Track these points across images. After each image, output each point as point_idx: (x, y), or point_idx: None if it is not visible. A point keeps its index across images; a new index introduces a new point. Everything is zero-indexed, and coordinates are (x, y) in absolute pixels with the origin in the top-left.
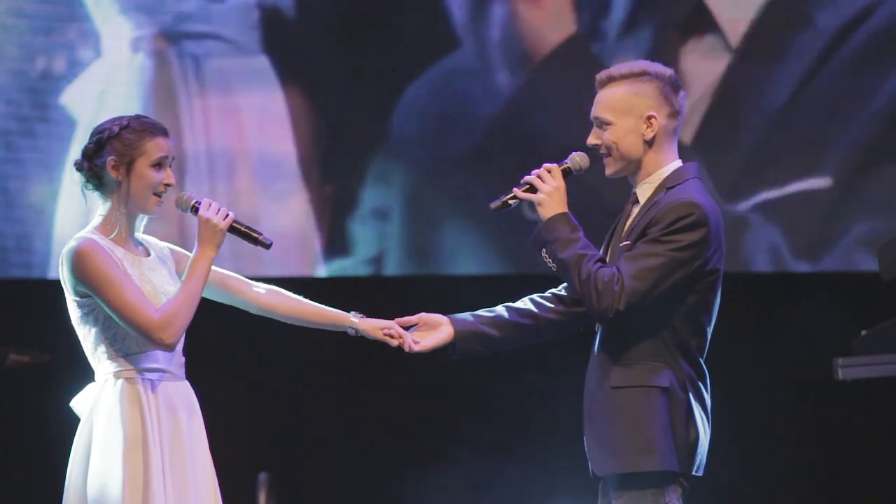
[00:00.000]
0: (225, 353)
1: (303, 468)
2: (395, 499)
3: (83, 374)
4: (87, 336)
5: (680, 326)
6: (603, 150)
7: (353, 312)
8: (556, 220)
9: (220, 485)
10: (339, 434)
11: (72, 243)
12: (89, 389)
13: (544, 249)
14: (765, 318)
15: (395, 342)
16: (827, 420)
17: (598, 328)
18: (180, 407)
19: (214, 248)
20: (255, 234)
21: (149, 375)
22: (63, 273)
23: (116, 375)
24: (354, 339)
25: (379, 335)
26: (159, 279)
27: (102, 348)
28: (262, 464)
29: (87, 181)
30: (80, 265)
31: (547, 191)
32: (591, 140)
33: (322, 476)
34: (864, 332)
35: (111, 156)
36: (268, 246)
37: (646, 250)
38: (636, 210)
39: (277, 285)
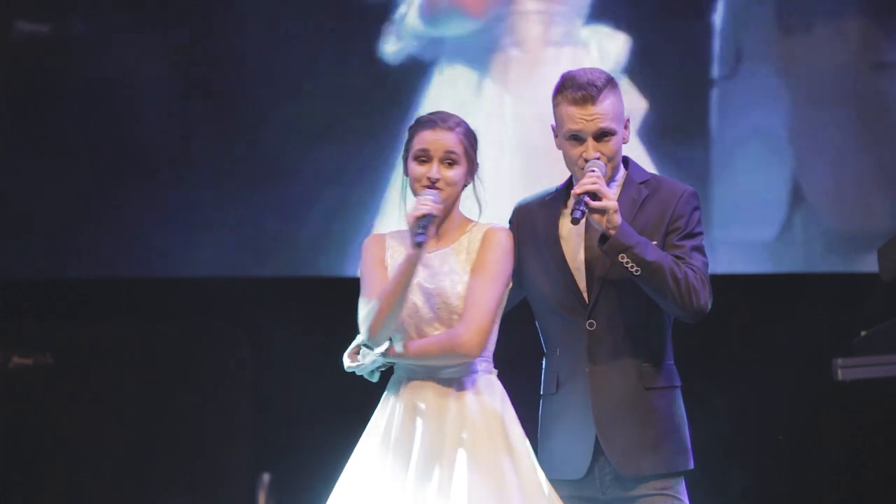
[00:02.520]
0: (226, 353)
1: (302, 468)
2: None
3: (83, 375)
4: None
5: (671, 320)
6: (602, 161)
7: None
8: (627, 225)
9: (219, 485)
10: (340, 434)
11: (502, 229)
12: (490, 387)
13: (623, 254)
14: (765, 319)
15: None
16: (827, 420)
17: (590, 329)
18: None
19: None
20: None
21: None
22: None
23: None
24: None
25: None
26: None
27: (493, 340)
28: (262, 464)
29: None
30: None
31: (613, 197)
32: (592, 154)
33: (322, 476)
34: (863, 333)
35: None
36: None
37: (695, 244)
38: None
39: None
